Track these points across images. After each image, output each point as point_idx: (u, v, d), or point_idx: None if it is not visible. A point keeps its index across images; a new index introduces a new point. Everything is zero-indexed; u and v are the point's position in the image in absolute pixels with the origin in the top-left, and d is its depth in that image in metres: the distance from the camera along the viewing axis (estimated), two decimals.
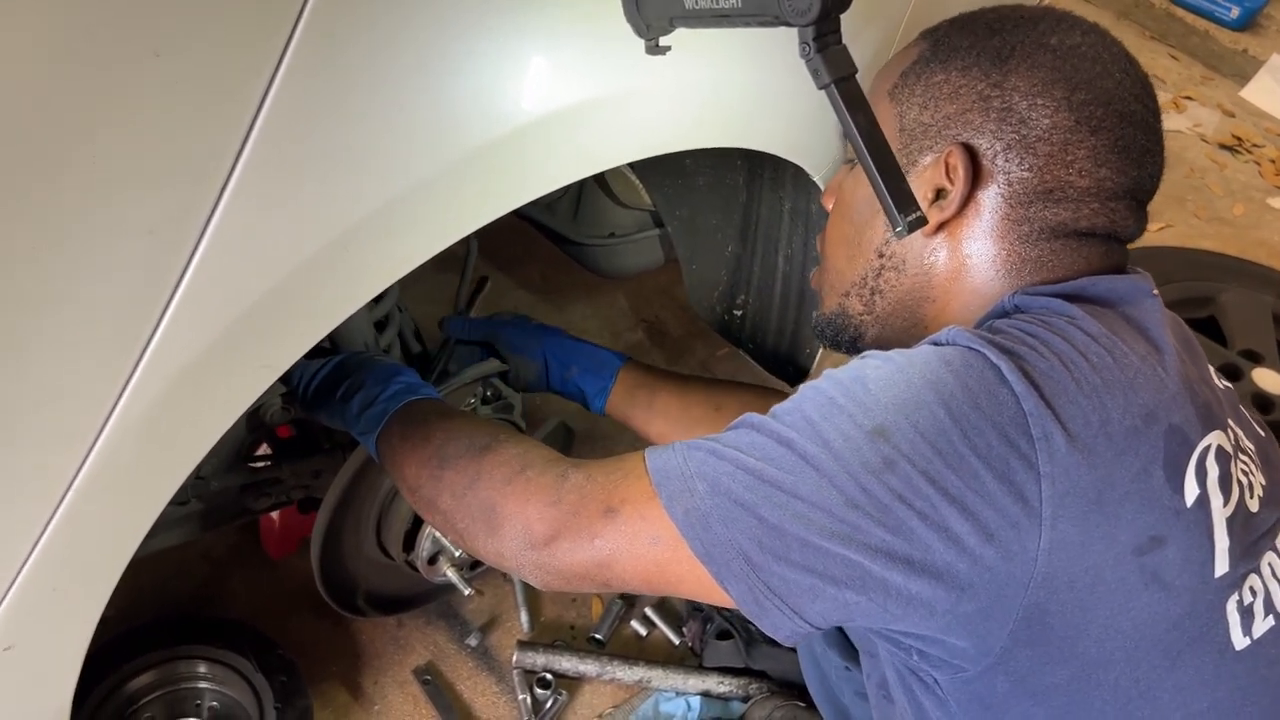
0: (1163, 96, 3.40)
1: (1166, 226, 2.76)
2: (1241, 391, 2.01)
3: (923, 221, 0.72)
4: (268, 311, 0.69)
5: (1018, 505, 0.70)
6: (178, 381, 0.67)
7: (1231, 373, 2.05)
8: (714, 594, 0.76)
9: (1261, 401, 2.01)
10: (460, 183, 0.76)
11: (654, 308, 2.17)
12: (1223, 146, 3.23)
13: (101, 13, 0.55)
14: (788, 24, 0.68)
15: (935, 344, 0.77)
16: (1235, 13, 3.68)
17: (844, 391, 0.75)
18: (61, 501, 0.68)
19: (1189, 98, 3.47)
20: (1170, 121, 3.31)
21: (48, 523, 0.68)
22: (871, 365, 0.76)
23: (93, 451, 0.67)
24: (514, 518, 0.83)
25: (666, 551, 0.76)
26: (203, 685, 1.34)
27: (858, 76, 0.70)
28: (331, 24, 0.64)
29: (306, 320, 0.73)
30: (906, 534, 0.70)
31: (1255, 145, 3.25)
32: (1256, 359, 2.09)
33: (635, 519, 0.78)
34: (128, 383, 0.65)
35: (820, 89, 0.70)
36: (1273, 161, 3.17)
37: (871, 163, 0.70)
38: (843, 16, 0.68)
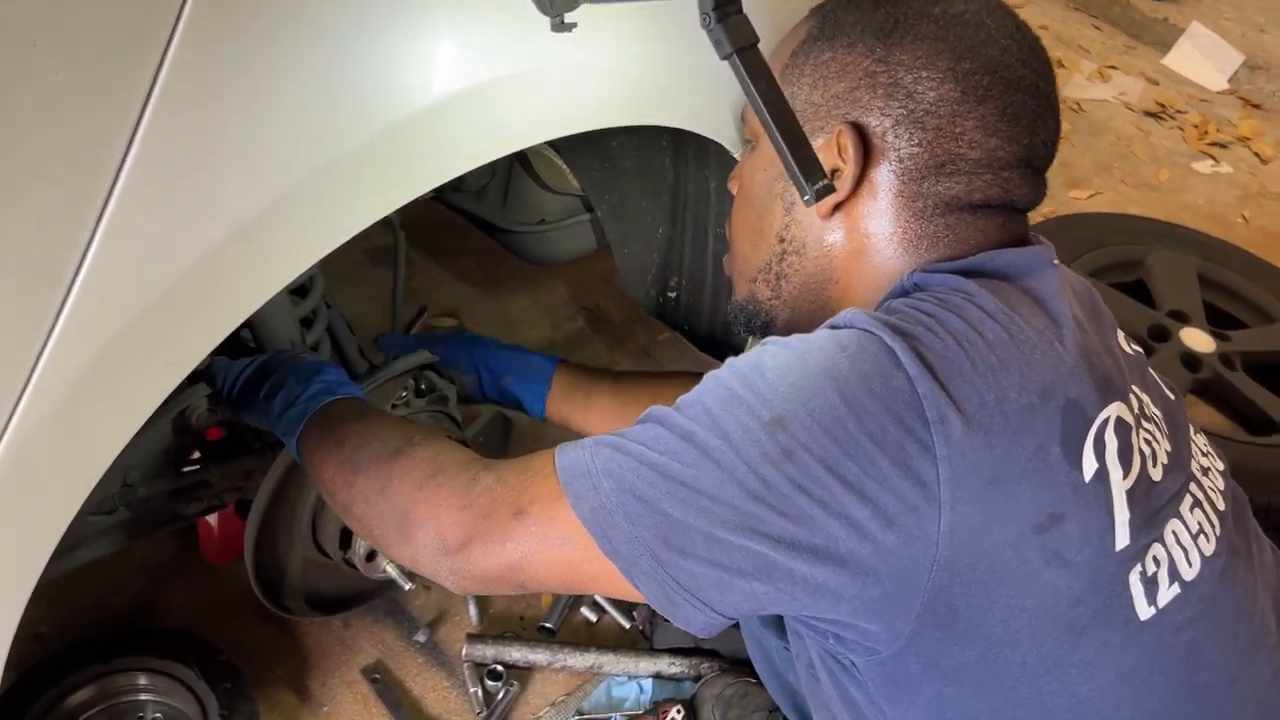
0: (1088, 67, 3.48)
1: (1096, 194, 2.81)
2: (1170, 352, 2.05)
3: (830, 189, 0.72)
4: (170, 306, 0.67)
5: (916, 489, 0.70)
6: (79, 382, 0.65)
7: (1160, 333, 2.09)
8: (627, 591, 0.76)
9: (1190, 360, 2.05)
10: (368, 166, 0.74)
11: (594, 295, 2.16)
12: (1147, 114, 3.30)
13: None
14: None
15: (833, 328, 0.77)
16: None
17: (743, 381, 0.75)
18: None
19: (1113, 67, 3.53)
20: (1096, 90, 3.37)
21: None
22: (769, 353, 0.76)
23: None
24: (426, 523, 0.82)
25: (577, 551, 0.76)
26: (144, 697, 1.31)
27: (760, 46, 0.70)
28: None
29: (212, 314, 0.71)
30: (808, 523, 0.70)
31: (1179, 111, 3.32)
32: (1184, 319, 2.13)
33: (544, 519, 0.77)
34: (27, 383, 0.64)
35: (723, 59, 0.70)
36: (1196, 127, 3.25)
37: (777, 132, 0.70)
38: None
